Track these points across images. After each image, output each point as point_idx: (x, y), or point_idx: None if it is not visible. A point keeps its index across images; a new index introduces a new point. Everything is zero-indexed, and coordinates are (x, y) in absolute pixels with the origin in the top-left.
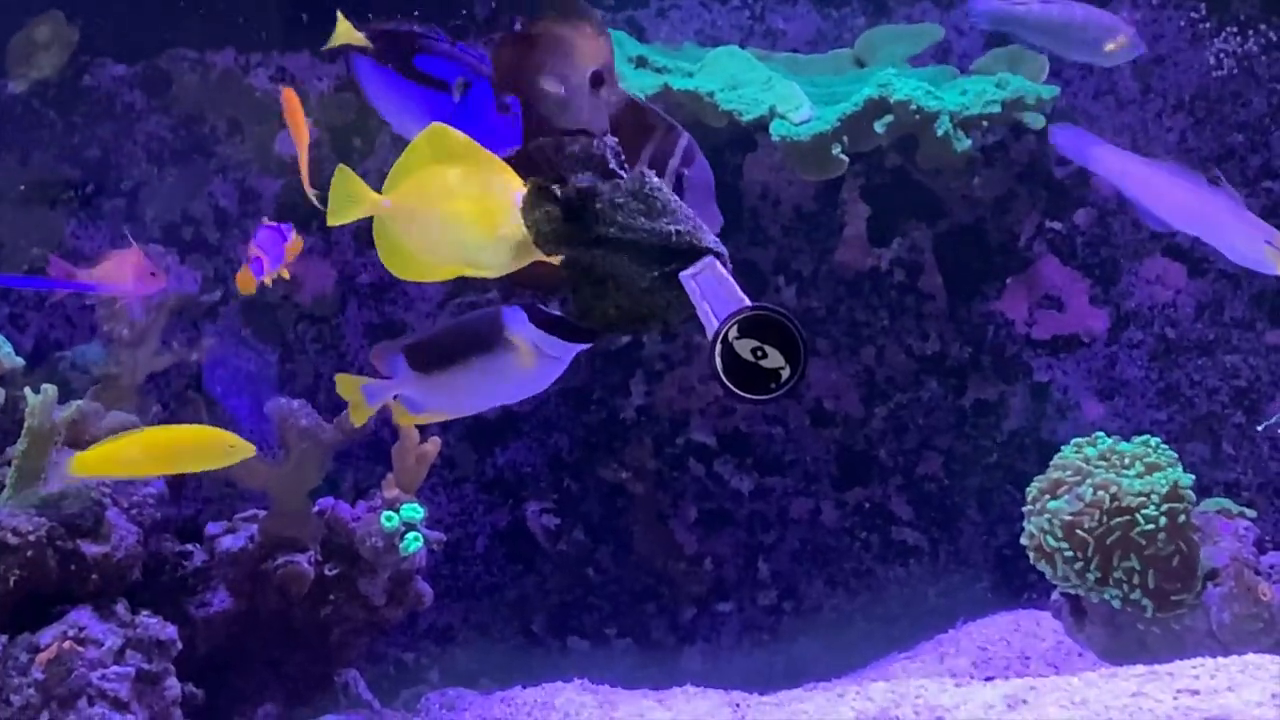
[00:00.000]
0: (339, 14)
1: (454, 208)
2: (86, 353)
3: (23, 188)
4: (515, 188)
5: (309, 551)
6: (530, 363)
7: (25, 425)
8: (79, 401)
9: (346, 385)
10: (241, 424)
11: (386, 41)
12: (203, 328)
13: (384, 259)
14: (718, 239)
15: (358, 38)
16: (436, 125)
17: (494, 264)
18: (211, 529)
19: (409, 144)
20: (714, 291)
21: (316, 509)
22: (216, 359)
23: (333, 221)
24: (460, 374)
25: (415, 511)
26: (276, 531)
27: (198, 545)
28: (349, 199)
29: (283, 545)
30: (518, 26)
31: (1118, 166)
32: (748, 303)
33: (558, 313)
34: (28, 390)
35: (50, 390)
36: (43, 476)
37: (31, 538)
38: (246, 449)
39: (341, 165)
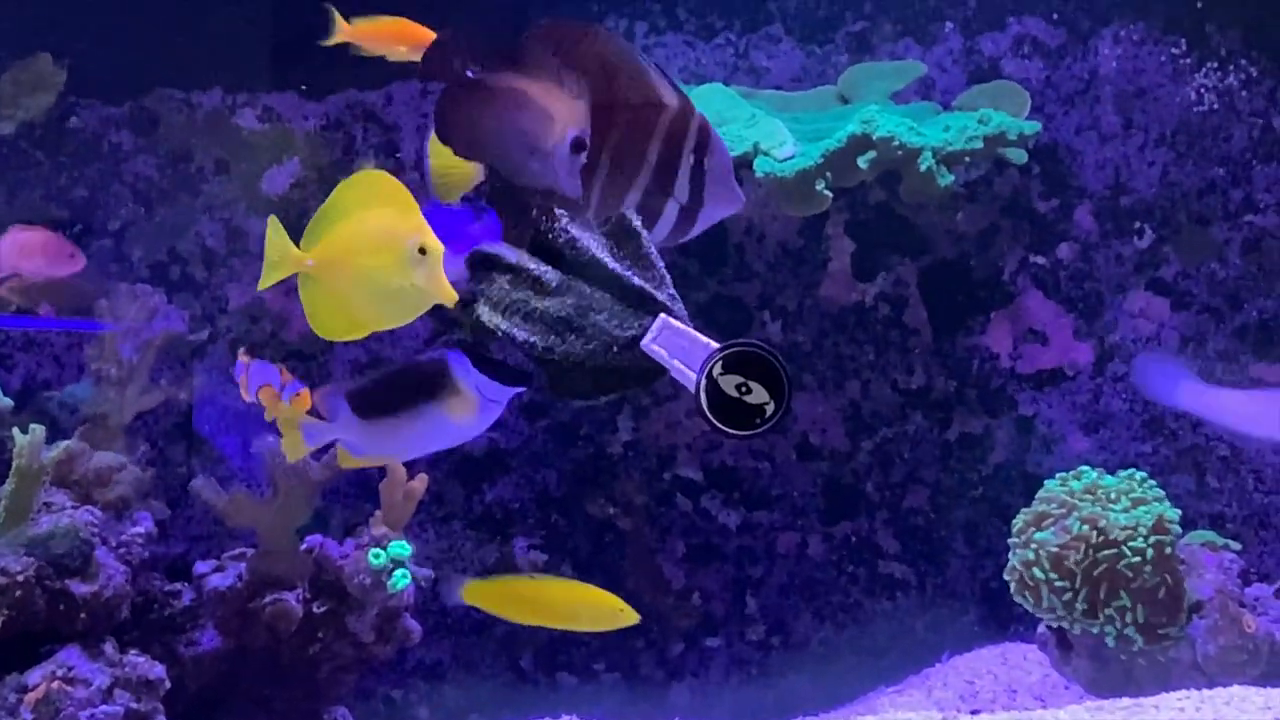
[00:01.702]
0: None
1: (360, 260)
2: (75, 392)
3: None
4: (409, 233)
5: (297, 589)
6: (471, 407)
7: (14, 465)
8: (67, 441)
9: (285, 420)
10: (230, 462)
11: None
12: (191, 366)
13: (311, 322)
14: (669, 288)
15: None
16: (363, 172)
17: (400, 315)
18: (200, 567)
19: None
20: (678, 347)
21: (305, 546)
22: (205, 397)
23: (263, 284)
24: (402, 419)
25: (403, 548)
26: (265, 569)
27: (186, 584)
28: (276, 254)
29: (271, 583)
30: (470, 73)
31: (1211, 403)
32: (713, 345)
33: (496, 357)
34: (16, 430)
35: (38, 430)
36: (31, 515)
37: (20, 577)
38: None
39: (272, 217)
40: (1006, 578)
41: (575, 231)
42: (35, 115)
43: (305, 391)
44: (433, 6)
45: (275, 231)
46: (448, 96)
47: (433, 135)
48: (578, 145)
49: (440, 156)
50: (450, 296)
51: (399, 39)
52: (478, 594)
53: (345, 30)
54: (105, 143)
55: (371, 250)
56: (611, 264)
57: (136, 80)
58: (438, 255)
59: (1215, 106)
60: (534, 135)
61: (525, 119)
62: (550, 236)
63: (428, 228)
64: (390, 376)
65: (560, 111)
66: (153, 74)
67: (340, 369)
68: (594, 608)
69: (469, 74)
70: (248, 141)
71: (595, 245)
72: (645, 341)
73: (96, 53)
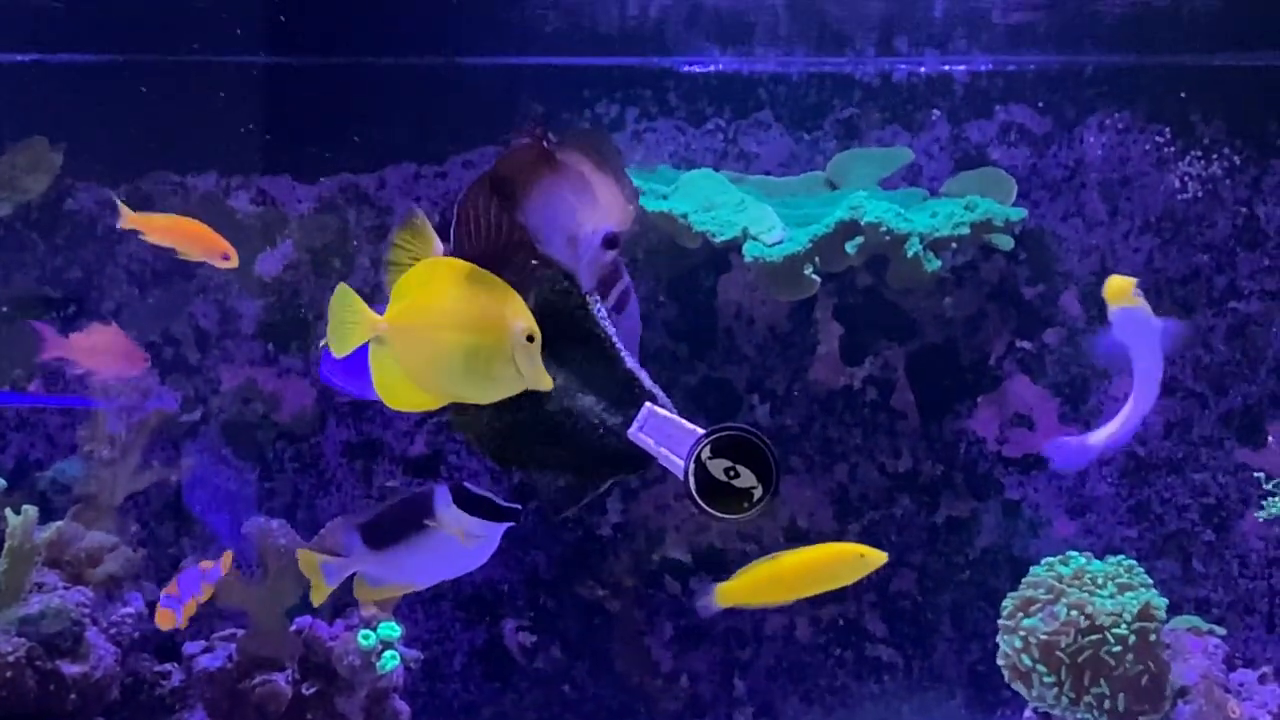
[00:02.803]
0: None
1: (452, 336)
2: (67, 469)
3: (5, 309)
4: (516, 318)
5: (287, 670)
6: (462, 541)
7: (6, 545)
8: (59, 523)
9: (307, 563)
10: (220, 542)
11: None
12: (183, 447)
13: (377, 386)
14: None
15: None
16: (436, 258)
17: (492, 394)
18: (190, 648)
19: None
20: (664, 434)
21: (294, 627)
22: (196, 478)
23: (340, 349)
24: (406, 550)
25: (392, 630)
26: (254, 650)
27: (176, 664)
28: (349, 321)
29: (260, 664)
30: (548, 141)
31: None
32: (698, 431)
33: (483, 492)
34: (8, 510)
35: (31, 511)
36: (22, 596)
37: (10, 658)
38: (879, 557)
39: (343, 284)
40: (1000, 664)
41: (598, 309)
42: (32, 197)
43: (228, 553)
44: (423, 88)
45: (347, 296)
46: (520, 150)
47: (397, 231)
48: (610, 242)
49: (400, 252)
50: (549, 384)
51: (192, 238)
52: (730, 595)
53: (128, 219)
54: (100, 225)
55: (469, 327)
56: (615, 341)
57: (132, 163)
58: (539, 344)
59: (1199, 194)
60: (576, 218)
61: (575, 200)
62: (562, 300)
63: (530, 314)
64: (396, 507)
65: (608, 205)
66: (148, 157)
67: (331, 450)
68: (839, 563)
69: (547, 141)
70: (241, 224)
71: (604, 319)
72: (632, 430)
73: (92, 136)
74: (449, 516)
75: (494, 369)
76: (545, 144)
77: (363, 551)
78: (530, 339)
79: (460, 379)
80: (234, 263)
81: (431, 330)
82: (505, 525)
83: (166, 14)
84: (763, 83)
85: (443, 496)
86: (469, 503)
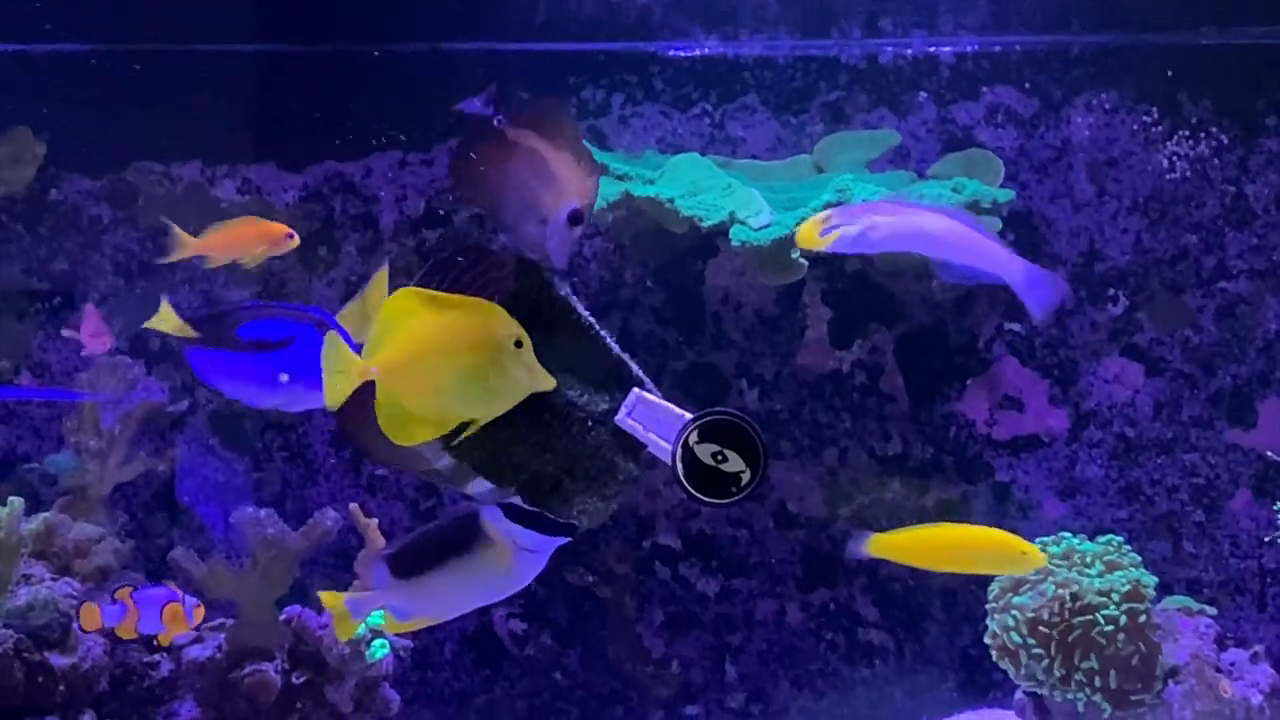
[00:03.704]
0: (163, 302)
1: (444, 361)
2: (57, 461)
3: None
4: (503, 329)
5: (276, 660)
6: (510, 560)
7: None
8: (46, 514)
9: (331, 601)
10: (209, 532)
11: (207, 326)
12: (170, 437)
13: (385, 428)
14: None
15: (181, 326)
16: (404, 289)
17: (496, 408)
18: (179, 638)
19: (381, 308)
20: (653, 419)
21: (283, 617)
22: (184, 468)
23: (331, 400)
24: (442, 577)
25: (382, 619)
26: (244, 640)
27: (165, 655)
28: (339, 369)
29: (250, 654)
30: (500, 122)
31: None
32: (686, 416)
33: (533, 509)
34: None
35: (17, 503)
36: (10, 588)
37: None
38: (1038, 559)
39: (332, 334)
40: (987, 642)
41: (564, 291)
42: (15, 188)
43: (201, 607)
44: (407, 79)
45: (336, 345)
46: (468, 139)
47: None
48: (574, 218)
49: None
50: (551, 382)
51: (249, 240)
52: (882, 546)
53: (190, 245)
54: (85, 215)
55: (456, 349)
56: (596, 327)
57: (116, 153)
58: (529, 345)
59: (1187, 174)
60: (538, 198)
61: (534, 180)
62: (538, 292)
63: (514, 321)
64: (427, 534)
65: (568, 181)
66: (132, 147)
67: (318, 440)
68: (999, 550)
69: (496, 122)
70: (227, 213)
71: (580, 308)
72: (620, 416)
73: (76, 126)
74: (501, 530)
75: (491, 383)
76: (495, 125)
77: (390, 582)
78: (519, 344)
79: (461, 400)
80: (296, 241)
81: (421, 361)
82: (559, 541)
83: (150, 2)
84: (748, 66)
85: (492, 513)
86: (522, 517)
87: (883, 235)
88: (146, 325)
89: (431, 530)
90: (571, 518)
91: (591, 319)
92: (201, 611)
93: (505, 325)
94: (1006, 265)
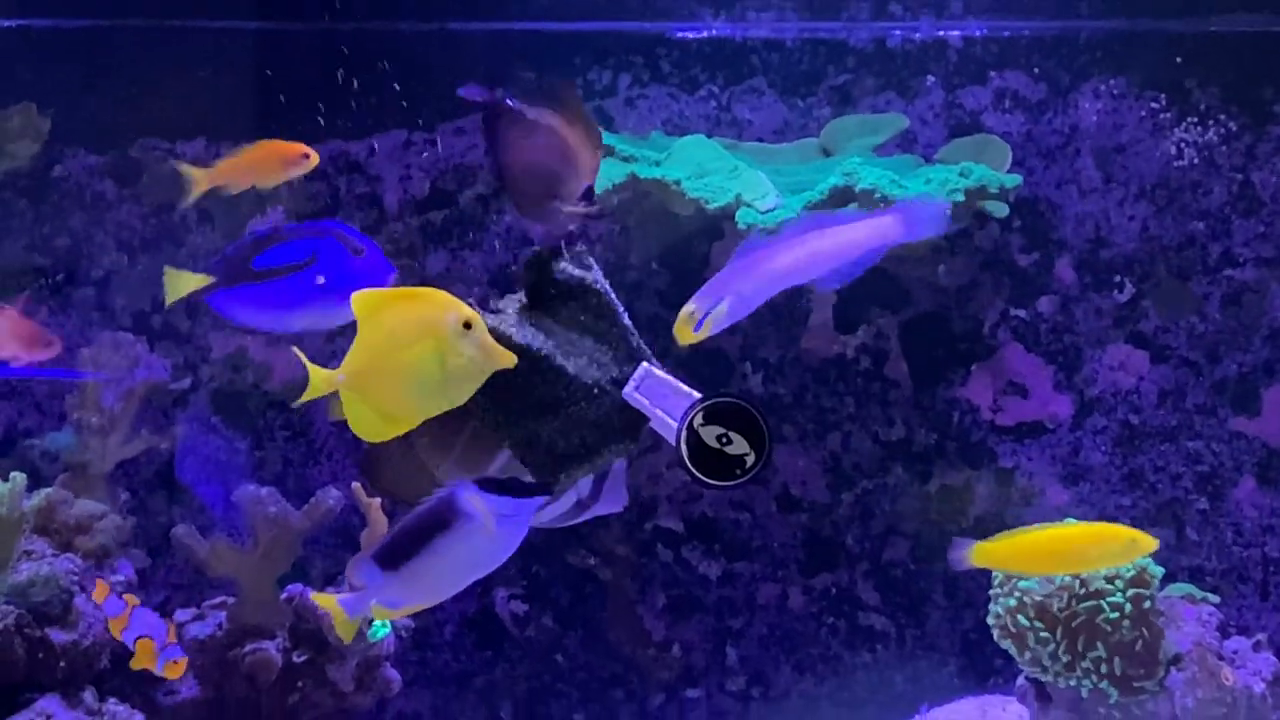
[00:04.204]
0: (166, 269)
1: (397, 358)
2: (58, 439)
3: None
4: (444, 313)
5: (277, 638)
6: (491, 531)
7: None
8: (48, 489)
9: (326, 604)
10: (211, 511)
11: (222, 268)
12: (172, 415)
13: (356, 430)
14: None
15: (197, 279)
16: (356, 293)
17: (456, 397)
18: (180, 615)
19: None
20: (660, 395)
21: (285, 595)
22: (186, 446)
23: (300, 402)
24: (429, 560)
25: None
26: (245, 618)
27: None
28: (314, 382)
29: (251, 632)
30: (512, 102)
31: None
32: (695, 395)
33: (504, 477)
34: None
35: (19, 478)
36: (11, 564)
37: None
38: (1149, 543)
39: (293, 348)
40: (990, 623)
41: (585, 261)
42: (20, 164)
43: (183, 660)
44: (414, 58)
45: (302, 360)
46: (491, 117)
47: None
48: (586, 194)
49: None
50: (510, 359)
51: (265, 163)
52: (987, 555)
53: (203, 179)
54: (89, 192)
55: (410, 342)
56: (612, 297)
57: (121, 130)
58: (482, 325)
59: (1195, 161)
60: (558, 176)
61: (556, 159)
62: (557, 262)
63: (461, 303)
64: (406, 523)
65: (584, 160)
66: (136, 123)
67: (321, 419)
68: (1107, 543)
69: (508, 102)
70: (231, 191)
71: (600, 277)
72: (628, 389)
73: (81, 102)
74: (476, 504)
75: (447, 369)
76: (509, 105)
77: (381, 577)
78: (468, 325)
79: (423, 393)
80: (314, 159)
81: (378, 360)
82: (537, 501)
83: None
84: (756, 49)
85: (466, 488)
86: (495, 486)
87: (751, 293)
88: (168, 303)
89: (411, 519)
90: (550, 480)
91: (611, 294)
92: (179, 667)
93: (450, 309)
94: (881, 230)
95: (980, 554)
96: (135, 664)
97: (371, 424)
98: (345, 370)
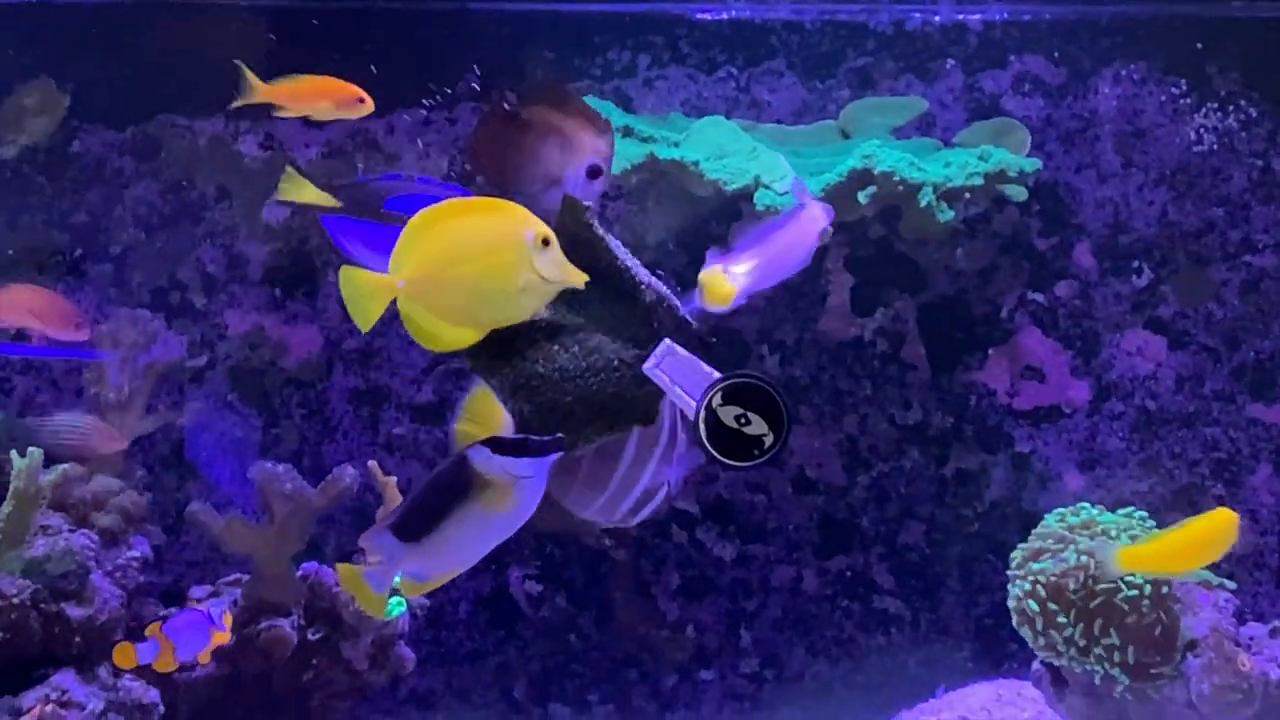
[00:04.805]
0: (287, 169)
1: (468, 267)
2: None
3: (11, 252)
4: (524, 227)
5: (292, 615)
6: (510, 492)
7: (11, 488)
8: (64, 465)
9: (349, 578)
10: (225, 488)
11: (352, 198)
12: (188, 392)
13: (416, 338)
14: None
15: (319, 195)
16: (427, 207)
17: (522, 311)
18: (195, 592)
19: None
20: (680, 373)
21: (300, 573)
22: (201, 423)
23: (365, 325)
24: (451, 528)
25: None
26: (260, 595)
27: (181, 608)
28: (363, 294)
29: (266, 609)
30: (508, 104)
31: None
32: (715, 374)
33: (517, 436)
34: (14, 453)
35: (37, 453)
36: (27, 539)
37: (15, 600)
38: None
39: (345, 267)
40: (1010, 605)
41: (603, 232)
42: (38, 140)
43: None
44: (434, 32)
45: (350, 274)
46: (482, 124)
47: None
48: (593, 172)
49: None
50: (581, 278)
51: (321, 96)
52: (1132, 560)
53: (261, 90)
54: (107, 168)
55: (483, 254)
56: (636, 271)
57: (139, 106)
58: (556, 243)
59: (1214, 147)
60: (554, 163)
61: (548, 147)
62: (580, 232)
63: (538, 219)
64: (423, 493)
65: (582, 141)
66: (155, 100)
67: (337, 397)
68: (1221, 530)
69: (505, 104)
70: (249, 168)
71: (620, 249)
72: (648, 365)
73: (99, 78)
74: (492, 467)
75: (519, 282)
76: (506, 108)
77: (401, 550)
78: (546, 242)
79: (491, 304)
80: (369, 104)
81: (446, 268)
82: (552, 458)
83: None
84: (776, 30)
85: (479, 452)
86: (508, 448)
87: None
88: (280, 198)
89: (426, 488)
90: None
91: (633, 263)
92: (230, 618)
93: (529, 224)
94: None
95: (1127, 559)
96: (206, 654)
97: (437, 332)
98: (404, 277)
